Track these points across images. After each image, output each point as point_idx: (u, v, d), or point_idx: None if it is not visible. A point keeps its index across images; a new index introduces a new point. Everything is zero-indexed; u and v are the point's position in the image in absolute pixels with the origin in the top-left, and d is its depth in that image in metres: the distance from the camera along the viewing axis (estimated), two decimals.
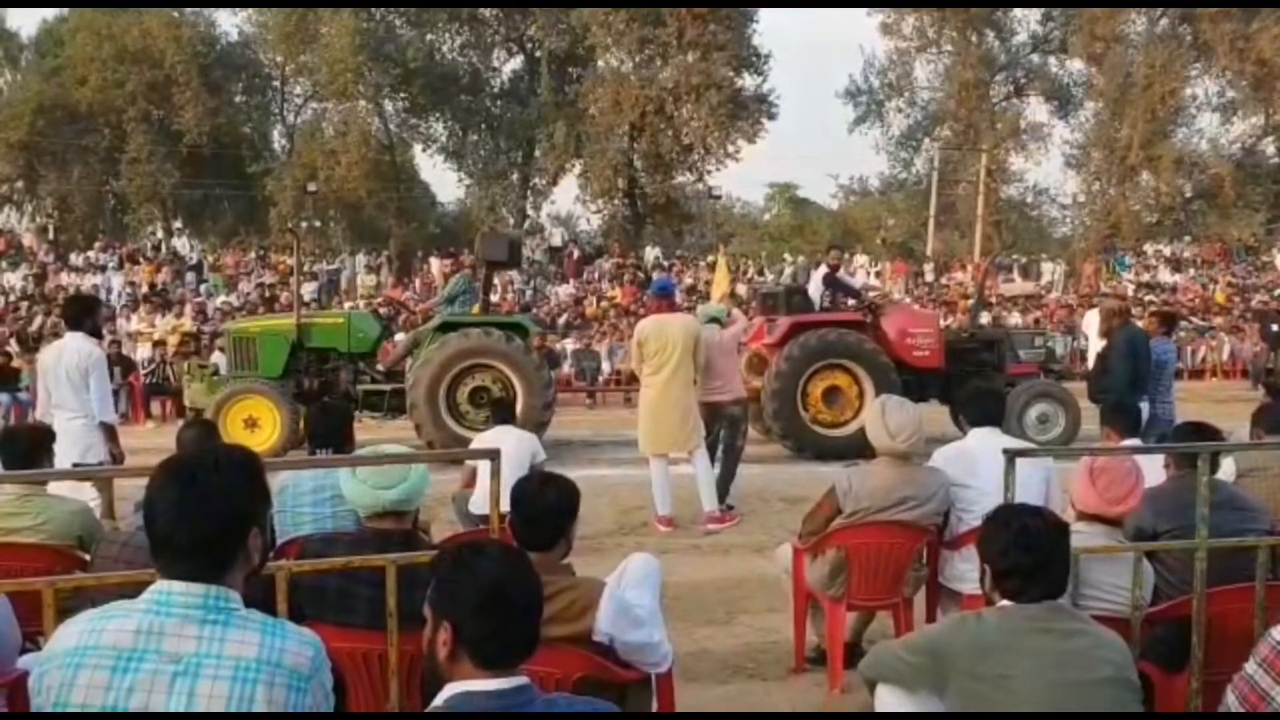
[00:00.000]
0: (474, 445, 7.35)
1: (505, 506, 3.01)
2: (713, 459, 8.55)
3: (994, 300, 24.64)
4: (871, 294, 13.59)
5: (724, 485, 8.36)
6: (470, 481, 6.69)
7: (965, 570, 4.31)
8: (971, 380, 11.38)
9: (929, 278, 29.27)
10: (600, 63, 34.38)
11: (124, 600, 1.87)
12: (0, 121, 33.79)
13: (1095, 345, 12.19)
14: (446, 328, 10.94)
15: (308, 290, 24.36)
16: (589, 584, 2.85)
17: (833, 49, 67.14)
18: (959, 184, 35.93)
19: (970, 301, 15.00)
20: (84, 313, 6.44)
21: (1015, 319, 22.41)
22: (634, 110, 32.58)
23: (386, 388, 11.25)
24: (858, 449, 10.25)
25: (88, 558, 3.87)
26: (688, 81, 32.22)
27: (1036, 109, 37.00)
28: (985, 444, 4.53)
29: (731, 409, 8.27)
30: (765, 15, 33.70)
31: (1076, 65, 35.95)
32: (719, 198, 40.26)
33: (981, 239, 33.28)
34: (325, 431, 4.62)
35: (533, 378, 10.66)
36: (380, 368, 11.83)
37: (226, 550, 1.86)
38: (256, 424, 10.67)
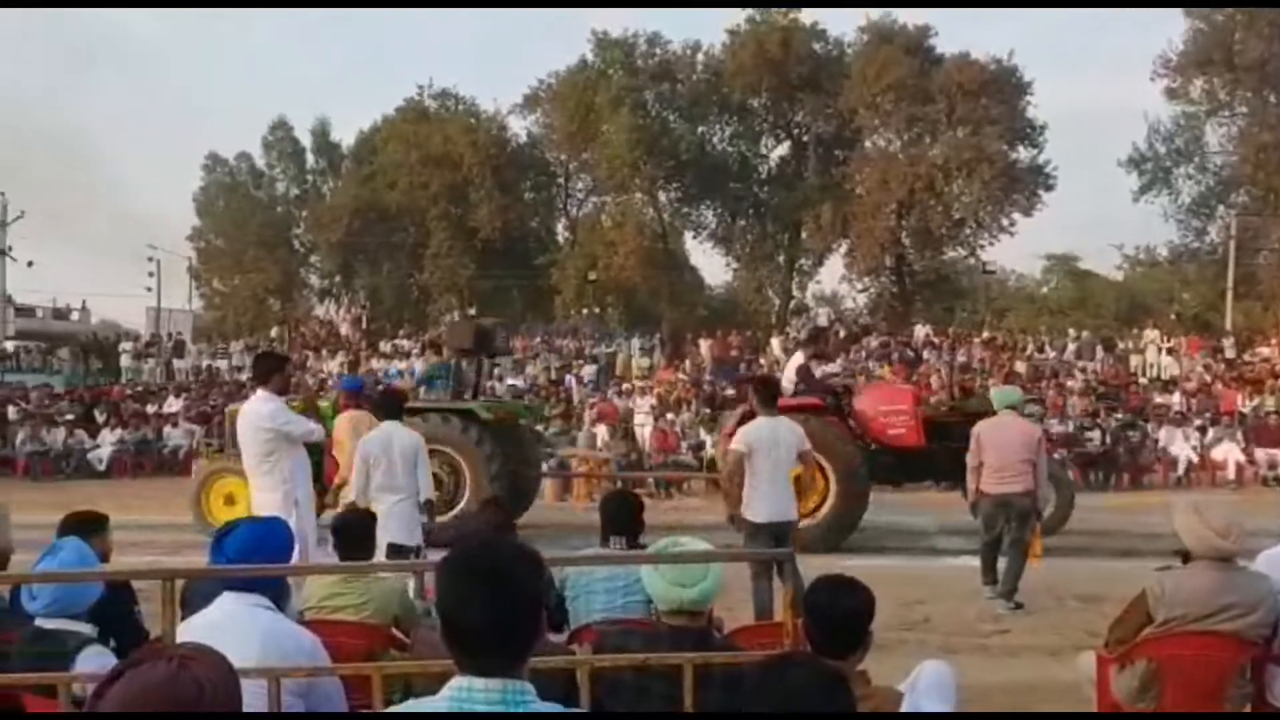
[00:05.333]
0: (742, 436, 7.19)
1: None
2: (998, 552, 8.23)
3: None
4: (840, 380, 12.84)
5: (1012, 580, 8.01)
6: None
7: None
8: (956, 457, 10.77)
9: (1229, 353, 26.76)
10: (867, 143, 34.43)
11: (424, 698, 1.96)
12: (324, 224, 38.25)
13: None
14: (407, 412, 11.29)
15: (587, 373, 25.58)
16: (886, 694, 2.82)
17: (1112, 116, 64.28)
18: (1260, 252, 32.87)
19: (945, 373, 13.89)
20: (400, 403, 7.29)
21: None
22: (902, 188, 32.36)
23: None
24: (823, 538, 9.93)
25: (402, 636, 4.19)
26: (958, 157, 31.74)
27: None
28: None
29: (1022, 500, 7.94)
30: (1039, 87, 32.61)
31: None
32: (993, 272, 38.96)
33: None
34: (616, 519, 4.75)
35: (481, 467, 10.84)
36: None
37: (527, 645, 1.89)
38: (234, 500, 11.07)
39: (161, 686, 1.50)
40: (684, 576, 3.16)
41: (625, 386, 21.70)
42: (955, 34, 59.85)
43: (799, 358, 11.95)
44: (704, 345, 28.84)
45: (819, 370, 11.97)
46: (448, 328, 13.07)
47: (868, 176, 33.24)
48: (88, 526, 4.66)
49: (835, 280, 39.72)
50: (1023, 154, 33.48)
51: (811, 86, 35.13)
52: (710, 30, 73.30)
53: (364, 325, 33.93)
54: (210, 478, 11.87)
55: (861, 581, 2.98)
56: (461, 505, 11.02)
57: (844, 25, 47.26)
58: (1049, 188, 33.41)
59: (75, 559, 3.62)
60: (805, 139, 37.13)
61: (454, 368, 12.25)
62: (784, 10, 35.59)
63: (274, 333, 31.73)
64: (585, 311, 35.60)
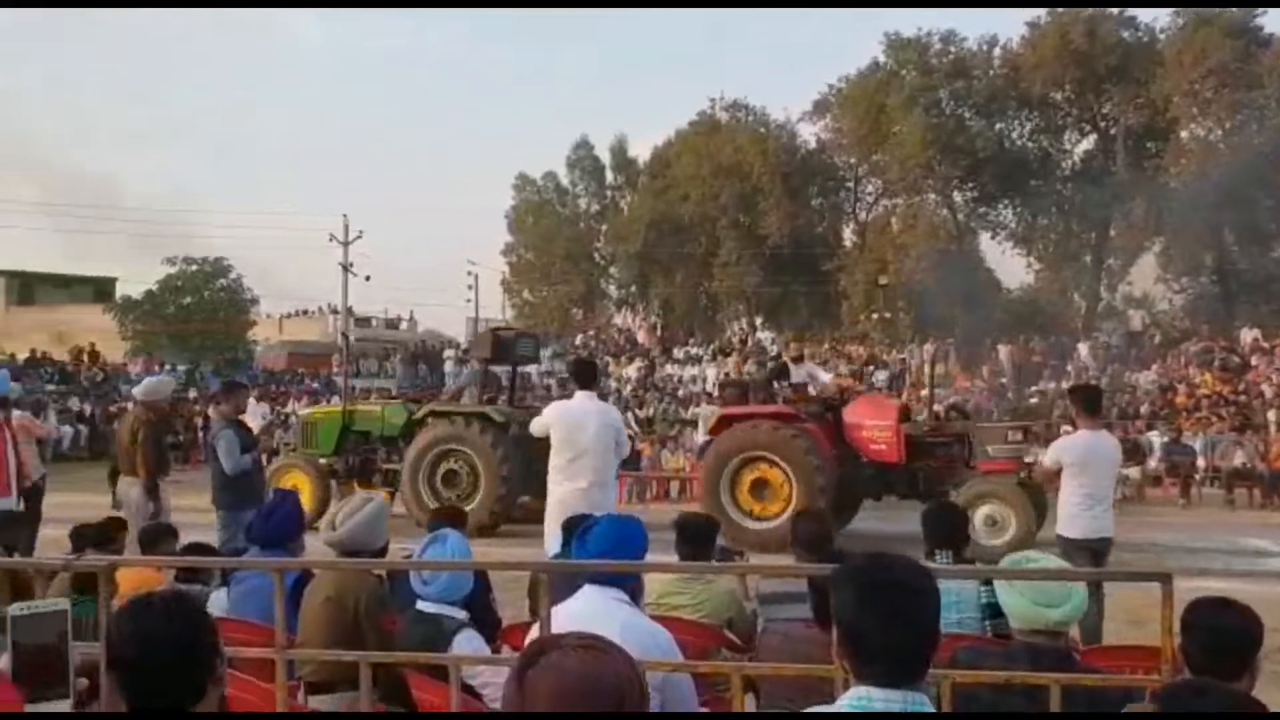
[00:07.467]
0: (1055, 449, 6.96)
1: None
2: None
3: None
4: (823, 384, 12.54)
5: None
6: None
7: None
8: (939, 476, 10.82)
9: None
10: (1183, 133, 31.82)
11: (822, 706, 2.09)
12: (622, 237, 40.06)
13: None
14: (435, 415, 12.22)
15: (880, 378, 25.18)
16: None
17: None
18: None
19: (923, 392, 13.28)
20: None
21: None
22: (1225, 180, 29.58)
23: (400, 466, 12.39)
24: (782, 542, 9.53)
25: (733, 638, 4.40)
26: None
27: None
28: None
29: None
30: None
31: None
32: None
33: None
34: (940, 531, 4.73)
35: (494, 466, 11.53)
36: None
37: (925, 660, 1.97)
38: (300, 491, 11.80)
39: (589, 676, 1.51)
40: (1048, 596, 3.08)
41: (924, 392, 21.17)
42: None
43: (783, 359, 12.42)
44: (1003, 351, 27.70)
45: (798, 372, 12.08)
46: (472, 340, 14.12)
47: (1184, 169, 30.71)
48: (455, 519, 5.28)
49: (1148, 281, 36.88)
50: None
51: (1120, 76, 32.96)
52: (1007, 25, 70.15)
53: (658, 332, 35.21)
54: (279, 471, 12.80)
55: (1243, 603, 2.82)
56: (478, 498, 11.74)
57: (1155, 10, 43.77)
58: None
59: (462, 549, 4.08)
60: (1113, 131, 34.85)
61: (480, 375, 13.20)
62: None
63: (579, 340, 33.55)
64: (874, 317, 35.09)
